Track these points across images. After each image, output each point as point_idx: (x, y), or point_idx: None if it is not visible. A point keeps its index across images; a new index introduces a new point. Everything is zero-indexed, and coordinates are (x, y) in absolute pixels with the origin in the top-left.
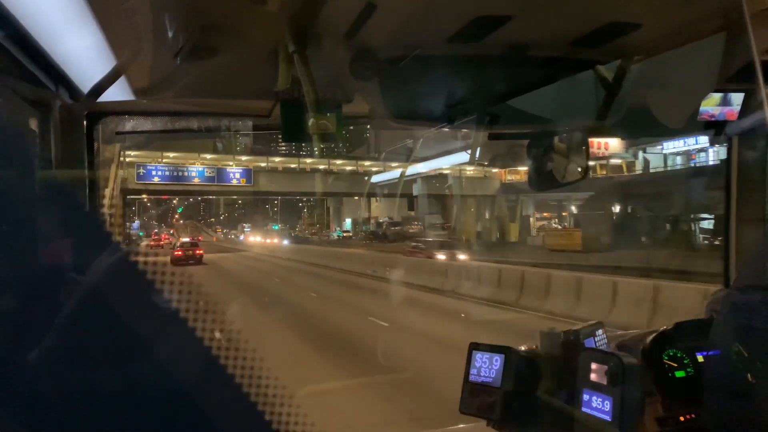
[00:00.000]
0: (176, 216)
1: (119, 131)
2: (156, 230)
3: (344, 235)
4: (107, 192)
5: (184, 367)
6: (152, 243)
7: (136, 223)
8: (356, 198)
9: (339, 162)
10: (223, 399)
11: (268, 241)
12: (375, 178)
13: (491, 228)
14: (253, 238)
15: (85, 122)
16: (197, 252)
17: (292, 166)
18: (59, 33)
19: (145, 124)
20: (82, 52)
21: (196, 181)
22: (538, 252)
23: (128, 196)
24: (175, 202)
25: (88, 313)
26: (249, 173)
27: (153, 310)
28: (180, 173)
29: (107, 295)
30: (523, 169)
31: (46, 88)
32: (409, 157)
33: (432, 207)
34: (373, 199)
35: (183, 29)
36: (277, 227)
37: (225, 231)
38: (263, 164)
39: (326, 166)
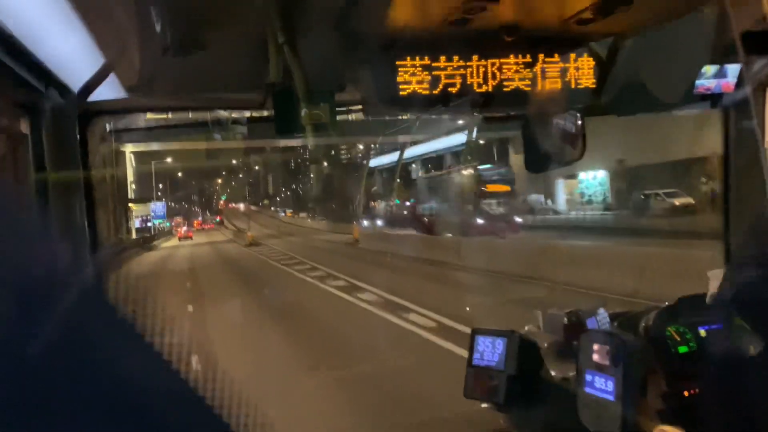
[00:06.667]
0: (221, 202)
1: (115, 129)
2: (200, 218)
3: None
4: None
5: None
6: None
7: (159, 206)
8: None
9: None
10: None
11: None
12: (373, 162)
13: None
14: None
15: (77, 122)
16: (189, 234)
17: None
18: (44, 33)
19: (139, 121)
20: (69, 51)
21: None
22: None
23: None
24: (219, 182)
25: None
26: None
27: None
28: None
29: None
30: None
31: (35, 90)
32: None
33: None
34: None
35: (170, 23)
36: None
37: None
38: None
39: None
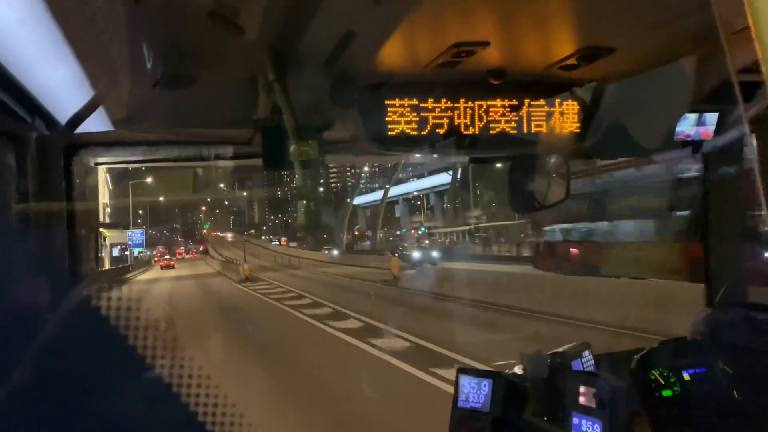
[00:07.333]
0: (205, 231)
1: (98, 162)
2: (183, 247)
3: None
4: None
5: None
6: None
7: (137, 234)
8: None
9: None
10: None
11: None
12: (357, 200)
13: None
14: None
15: (62, 154)
16: (171, 263)
17: None
18: (34, 64)
19: (124, 154)
20: (58, 83)
21: None
22: None
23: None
24: (203, 209)
25: (53, 355)
26: None
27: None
28: None
29: (79, 328)
30: None
31: (21, 121)
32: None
33: None
34: None
35: (161, 59)
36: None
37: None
38: None
39: None
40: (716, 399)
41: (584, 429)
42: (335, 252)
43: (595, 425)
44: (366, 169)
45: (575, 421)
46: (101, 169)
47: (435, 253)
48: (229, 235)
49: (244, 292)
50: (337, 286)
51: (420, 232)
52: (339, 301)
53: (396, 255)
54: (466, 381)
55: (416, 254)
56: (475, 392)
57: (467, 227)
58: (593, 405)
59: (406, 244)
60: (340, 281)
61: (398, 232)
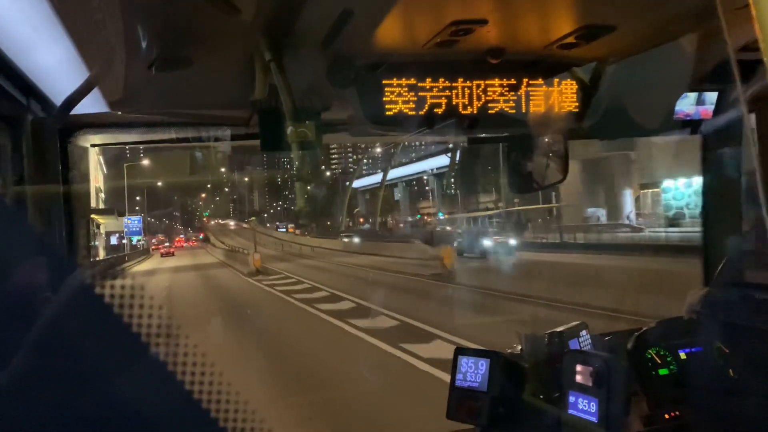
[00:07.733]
0: (204, 219)
1: (94, 144)
2: (182, 235)
3: None
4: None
5: (157, 389)
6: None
7: (134, 221)
8: None
9: None
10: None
11: None
12: (356, 183)
13: None
14: None
15: (58, 136)
16: (171, 250)
17: None
18: (28, 45)
19: (120, 136)
20: (53, 64)
21: None
22: None
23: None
24: (203, 196)
25: (55, 335)
26: None
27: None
28: None
29: (75, 317)
30: None
31: (16, 102)
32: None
33: None
34: None
35: (156, 40)
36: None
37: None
38: None
39: None
40: (712, 378)
41: (581, 407)
42: (356, 240)
43: (591, 403)
44: (378, 150)
45: (572, 399)
46: (93, 151)
47: (512, 242)
48: (231, 223)
49: (260, 290)
50: (374, 283)
51: (439, 218)
52: (395, 306)
53: (455, 244)
54: (464, 361)
55: (486, 243)
56: (473, 372)
57: (492, 212)
58: (590, 383)
59: (461, 230)
60: (373, 275)
61: (409, 219)
